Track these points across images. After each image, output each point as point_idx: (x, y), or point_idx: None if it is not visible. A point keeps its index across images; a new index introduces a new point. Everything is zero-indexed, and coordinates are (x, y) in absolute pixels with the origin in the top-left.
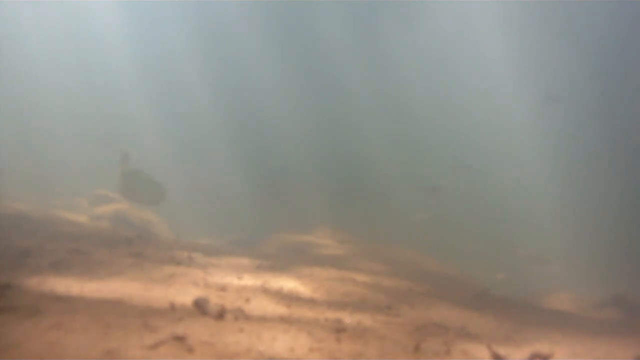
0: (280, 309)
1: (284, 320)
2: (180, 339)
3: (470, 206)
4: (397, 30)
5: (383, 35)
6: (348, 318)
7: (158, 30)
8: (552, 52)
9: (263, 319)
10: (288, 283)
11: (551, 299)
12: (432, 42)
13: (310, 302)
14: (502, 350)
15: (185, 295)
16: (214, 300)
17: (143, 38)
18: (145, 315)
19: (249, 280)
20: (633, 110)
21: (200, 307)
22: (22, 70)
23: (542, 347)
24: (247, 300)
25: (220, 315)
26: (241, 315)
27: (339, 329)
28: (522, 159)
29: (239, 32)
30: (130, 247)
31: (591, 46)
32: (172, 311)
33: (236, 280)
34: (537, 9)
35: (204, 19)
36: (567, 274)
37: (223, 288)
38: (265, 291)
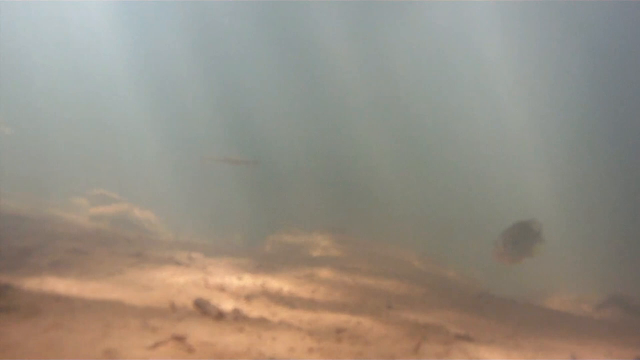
0: (280, 309)
1: (284, 320)
2: (180, 339)
3: (469, 206)
4: (393, 28)
5: (379, 33)
6: (348, 318)
7: (152, 30)
8: (551, 50)
9: (263, 319)
10: (288, 283)
11: (551, 299)
12: (429, 40)
13: (310, 302)
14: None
15: (185, 295)
16: (214, 300)
17: (137, 38)
18: (145, 315)
19: (248, 281)
20: (632, 110)
21: (200, 307)
22: (18, 71)
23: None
24: (247, 300)
25: (221, 315)
26: (241, 316)
27: (339, 329)
28: (521, 159)
29: (234, 32)
30: (130, 247)
31: (591, 46)
32: (172, 311)
33: (236, 281)
34: (536, 7)
35: (198, 18)
36: (567, 274)
37: (223, 288)
38: (265, 291)
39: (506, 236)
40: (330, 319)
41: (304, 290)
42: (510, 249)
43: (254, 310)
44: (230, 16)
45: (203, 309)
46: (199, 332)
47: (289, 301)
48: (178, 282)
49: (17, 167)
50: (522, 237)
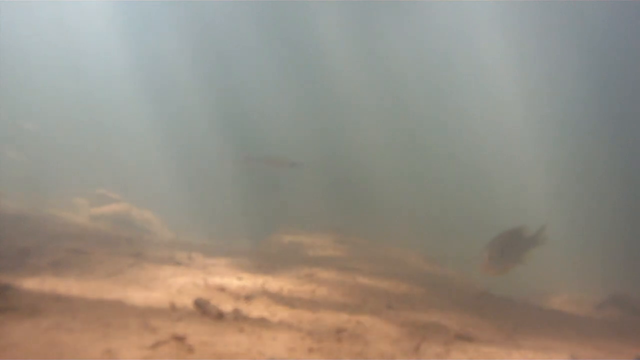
0: (280, 309)
1: (284, 320)
2: (180, 339)
3: (468, 206)
4: (393, 27)
5: (380, 33)
6: (348, 318)
7: (151, 30)
8: (551, 50)
9: (263, 319)
10: (288, 283)
11: (551, 299)
12: (430, 39)
13: (310, 302)
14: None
15: (185, 295)
16: (214, 300)
17: (137, 38)
18: (145, 315)
19: (248, 281)
20: (632, 110)
21: (200, 307)
22: (18, 71)
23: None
24: (247, 300)
25: (220, 315)
26: (241, 316)
27: (339, 329)
28: (520, 158)
29: (234, 31)
30: (130, 247)
31: (591, 45)
32: (172, 311)
33: (236, 281)
34: (536, 7)
35: (197, 18)
36: (567, 274)
37: (223, 288)
38: (265, 291)
39: (491, 247)
40: (330, 319)
41: (304, 290)
42: (496, 260)
43: (254, 310)
44: (232, 17)
45: (203, 309)
46: (199, 332)
47: (289, 301)
48: (178, 282)
49: (17, 167)
50: (509, 246)
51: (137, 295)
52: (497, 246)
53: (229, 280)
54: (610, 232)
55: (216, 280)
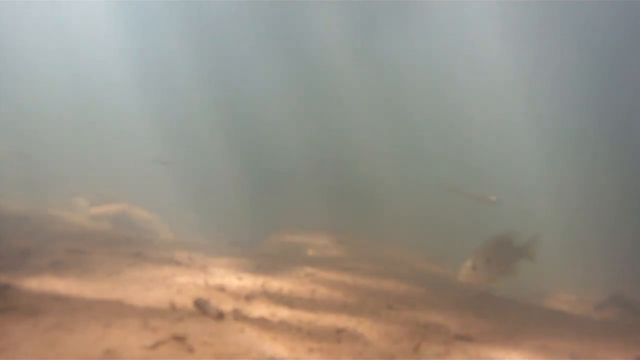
0: (280, 310)
1: (284, 320)
2: (180, 339)
3: (468, 205)
4: (394, 30)
5: (380, 35)
6: (348, 318)
7: (154, 31)
8: (551, 51)
9: (263, 319)
10: (288, 283)
11: (551, 299)
12: (430, 41)
13: (310, 302)
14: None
15: (185, 295)
16: (214, 300)
17: (138, 39)
18: (145, 315)
19: (248, 281)
20: (633, 110)
21: (200, 307)
22: (19, 71)
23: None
24: (247, 300)
25: (220, 315)
26: (241, 316)
27: (339, 329)
28: (520, 158)
29: (235, 32)
30: (130, 247)
31: (591, 45)
32: (172, 311)
33: (236, 281)
34: (537, 8)
35: (198, 19)
36: (567, 274)
37: (223, 288)
38: (265, 291)
39: (477, 256)
40: (330, 319)
41: (303, 290)
42: (480, 270)
43: (254, 310)
44: (235, 18)
45: (203, 309)
46: (199, 332)
47: (289, 301)
48: (178, 282)
49: (17, 167)
50: (496, 255)
51: (137, 295)
52: (482, 255)
53: (229, 280)
54: (611, 232)
55: (216, 280)
